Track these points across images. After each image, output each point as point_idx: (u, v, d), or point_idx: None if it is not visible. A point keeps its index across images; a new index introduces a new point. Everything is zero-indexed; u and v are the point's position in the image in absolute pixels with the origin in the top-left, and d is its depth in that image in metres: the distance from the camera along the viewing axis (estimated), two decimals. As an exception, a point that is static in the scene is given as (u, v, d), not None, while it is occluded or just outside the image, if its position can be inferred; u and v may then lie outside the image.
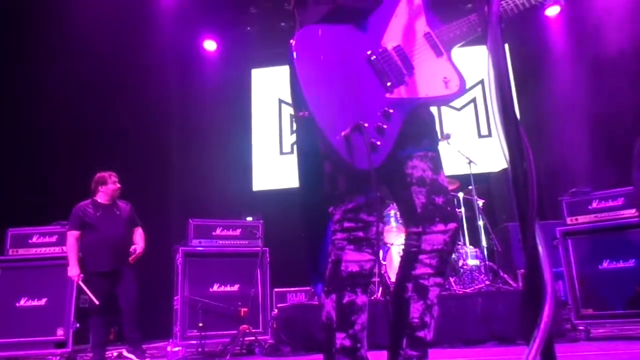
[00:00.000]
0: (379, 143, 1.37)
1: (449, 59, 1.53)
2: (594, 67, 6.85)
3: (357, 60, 1.46)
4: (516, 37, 7.79)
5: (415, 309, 1.46)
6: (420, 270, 1.48)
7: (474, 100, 7.87)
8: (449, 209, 1.52)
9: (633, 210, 4.13)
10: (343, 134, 1.32)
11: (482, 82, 7.82)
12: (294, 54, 1.39)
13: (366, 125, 1.35)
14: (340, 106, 1.38)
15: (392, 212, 5.38)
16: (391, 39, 1.51)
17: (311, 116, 1.33)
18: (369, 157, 1.33)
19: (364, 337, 1.42)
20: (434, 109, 6.31)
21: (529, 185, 0.85)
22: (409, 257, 1.52)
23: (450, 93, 1.49)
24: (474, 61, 7.83)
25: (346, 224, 1.42)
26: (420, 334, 1.46)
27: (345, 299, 1.38)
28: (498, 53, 1.01)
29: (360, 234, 1.42)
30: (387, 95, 1.44)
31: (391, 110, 1.41)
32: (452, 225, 1.50)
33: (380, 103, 1.42)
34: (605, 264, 4.22)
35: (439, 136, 7.05)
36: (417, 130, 1.51)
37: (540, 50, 7.78)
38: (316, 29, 1.46)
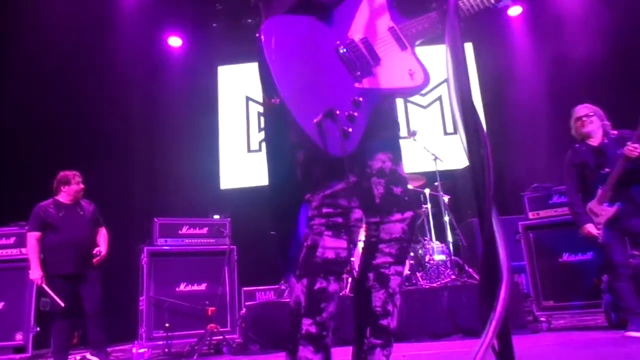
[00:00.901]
0: (350, 130, 1.38)
1: (413, 52, 1.57)
2: (556, 65, 7.07)
3: (325, 51, 1.48)
4: (480, 37, 7.96)
5: (377, 298, 1.48)
6: (380, 259, 1.50)
7: (439, 98, 8.00)
8: (406, 198, 1.56)
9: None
10: (315, 120, 1.33)
11: (447, 80, 7.95)
12: (263, 40, 1.38)
13: (338, 112, 1.37)
14: (311, 93, 1.39)
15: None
16: (357, 32, 1.54)
17: (282, 103, 1.33)
18: (342, 143, 1.34)
19: (331, 327, 1.41)
20: (400, 107, 6.34)
21: (486, 173, 0.87)
22: (370, 247, 1.55)
23: (415, 85, 1.53)
24: (439, 59, 7.98)
25: (325, 210, 1.41)
26: (384, 322, 1.47)
27: (317, 285, 1.37)
28: (456, 48, 1.02)
29: (340, 219, 1.42)
30: (356, 84, 1.47)
31: (361, 99, 1.44)
32: (408, 214, 1.54)
33: (350, 92, 1.45)
34: (565, 257, 4.36)
35: (406, 133, 7.13)
36: (379, 121, 1.53)
37: (503, 49, 7.97)
38: (284, 19, 1.47)
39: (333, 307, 1.41)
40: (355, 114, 1.40)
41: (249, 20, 7.67)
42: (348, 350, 1.60)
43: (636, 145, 3.35)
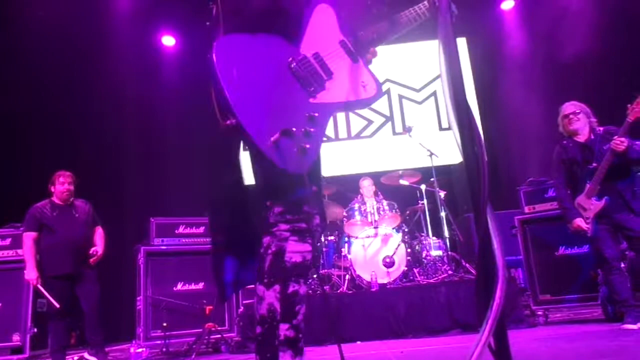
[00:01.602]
0: (308, 146, 1.40)
1: (365, 64, 1.63)
2: (550, 59, 7.07)
3: (278, 68, 1.49)
4: (473, 31, 7.95)
5: None
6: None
7: (434, 94, 7.99)
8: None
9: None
10: (272, 139, 1.33)
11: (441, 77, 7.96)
12: (215, 60, 1.38)
13: (294, 130, 1.38)
14: (266, 112, 1.40)
15: (356, 206, 5.42)
16: (309, 47, 1.57)
17: (238, 124, 1.32)
18: (300, 160, 1.36)
19: (303, 328, 1.42)
20: (395, 103, 6.31)
21: (480, 169, 0.86)
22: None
23: (369, 96, 1.58)
24: (433, 55, 7.97)
25: (289, 216, 1.43)
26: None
27: (290, 289, 1.38)
28: (449, 45, 1.02)
29: (303, 225, 1.44)
30: (311, 100, 1.49)
31: (316, 114, 1.46)
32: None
33: (305, 108, 1.47)
34: (561, 251, 4.38)
35: (402, 129, 7.15)
36: None
37: (497, 43, 7.97)
38: (235, 38, 1.48)
39: (304, 309, 1.42)
40: (312, 129, 1.42)
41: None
42: (346, 347, 1.60)
43: (622, 139, 3.43)
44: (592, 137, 3.73)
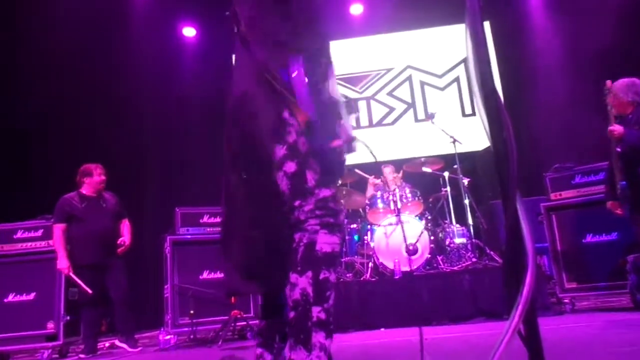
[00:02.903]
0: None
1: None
2: (576, 41, 6.90)
3: None
4: (498, 15, 7.79)
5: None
6: None
7: (457, 80, 7.88)
8: None
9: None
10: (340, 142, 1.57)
11: (465, 60, 7.84)
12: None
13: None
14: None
15: (379, 194, 5.41)
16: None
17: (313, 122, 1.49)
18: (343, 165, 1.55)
19: (333, 314, 1.49)
20: (417, 89, 6.27)
21: (509, 155, 0.86)
22: None
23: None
24: (456, 40, 7.85)
25: (318, 212, 1.50)
26: None
27: (322, 276, 1.45)
28: (476, 28, 1.01)
29: (331, 219, 1.50)
30: None
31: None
32: None
33: None
34: (588, 238, 4.29)
35: (424, 115, 7.12)
36: None
37: (522, 26, 7.80)
38: None
39: (334, 296, 1.49)
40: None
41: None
42: (370, 334, 1.62)
43: (612, 127, 3.48)
44: (630, 116, 3.66)
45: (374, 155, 1.81)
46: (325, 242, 1.48)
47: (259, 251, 1.67)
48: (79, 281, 4.26)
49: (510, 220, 0.82)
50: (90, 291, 4.23)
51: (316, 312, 1.41)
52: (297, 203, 1.50)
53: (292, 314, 1.42)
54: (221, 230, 1.78)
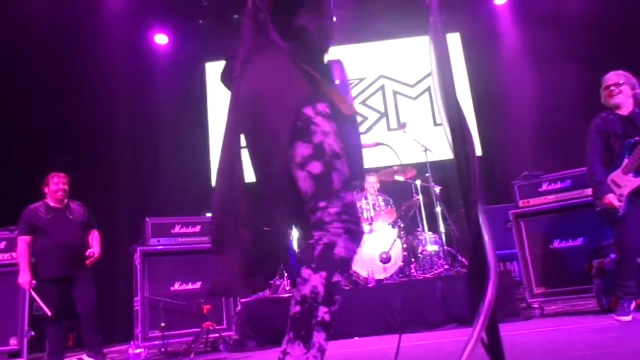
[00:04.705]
0: None
1: None
2: (544, 52, 7.10)
3: None
4: (467, 27, 7.97)
5: None
6: None
7: (428, 89, 8.00)
8: None
9: (580, 191, 4.33)
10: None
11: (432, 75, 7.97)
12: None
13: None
14: None
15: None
16: None
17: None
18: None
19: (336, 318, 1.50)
20: (390, 98, 6.35)
21: (471, 168, 0.87)
22: None
23: None
24: (426, 50, 7.98)
25: (344, 217, 1.50)
26: None
27: (334, 279, 1.44)
28: (439, 45, 1.03)
29: (354, 227, 1.50)
30: None
31: None
32: None
33: None
34: (556, 244, 4.40)
35: (396, 125, 7.16)
36: None
37: (491, 38, 7.99)
38: None
39: (340, 300, 1.48)
40: None
41: (236, 16, 7.62)
42: (344, 343, 1.62)
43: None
44: (637, 110, 3.49)
45: (398, 157, 1.86)
46: (345, 247, 1.47)
47: (257, 248, 1.64)
48: (39, 300, 4.06)
49: (473, 232, 0.84)
50: (49, 312, 4.02)
51: (322, 312, 1.40)
52: (322, 204, 1.49)
53: (297, 308, 1.41)
54: (214, 229, 1.70)
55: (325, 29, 1.57)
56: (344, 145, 1.50)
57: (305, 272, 1.45)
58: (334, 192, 1.50)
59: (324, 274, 1.43)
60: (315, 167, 1.52)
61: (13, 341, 4.21)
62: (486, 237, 0.85)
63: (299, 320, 1.40)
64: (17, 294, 4.31)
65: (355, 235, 1.50)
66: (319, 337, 1.38)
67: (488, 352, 0.83)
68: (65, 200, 4.44)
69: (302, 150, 1.52)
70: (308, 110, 1.53)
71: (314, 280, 1.43)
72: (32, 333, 4.24)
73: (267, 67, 1.61)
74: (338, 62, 1.67)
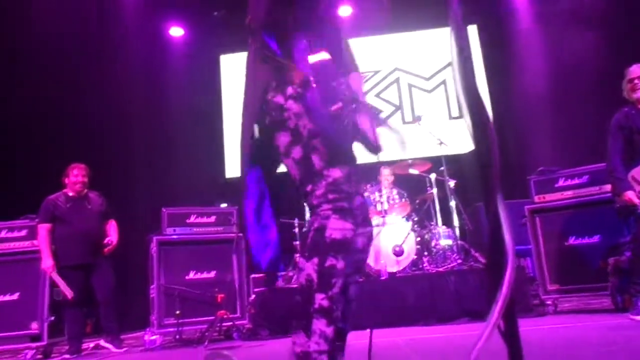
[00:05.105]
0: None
1: None
2: (562, 46, 7.00)
3: None
4: (484, 18, 7.89)
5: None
6: None
7: (444, 82, 7.96)
8: None
9: (598, 187, 4.27)
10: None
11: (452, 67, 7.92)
12: None
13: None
14: None
15: (366, 195, 5.44)
16: None
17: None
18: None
19: (340, 301, 1.49)
20: (405, 92, 6.34)
21: (491, 159, 0.89)
22: None
23: None
24: (443, 43, 7.92)
25: (330, 196, 1.48)
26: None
27: (328, 263, 1.43)
28: (460, 32, 1.04)
29: (344, 204, 1.48)
30: None
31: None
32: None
33: None
34: (571, 240, 4.35)
35: (411, 118, 7.15)
36: None
37: (508, 29, 7.89)
38: None
39: (341, 283, 1.47)
40: None
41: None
42: (356, 335, 1.64)
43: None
44: None
45: (403, 144, 1.84)
46: (336, 227, 1.45)
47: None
48: (61, 283, 4.22)
49: (492, 221, 0.85)
50: (70, 295, 4.18)
51: (319, 299, 1.41)
52: (308, 188, 1.50)
53: (297, 298, 1.45)
54: (247, 212, 1.71)
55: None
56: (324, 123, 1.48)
57: (301, 261, 1.48)
58: (316, 173, 1.50)
59: (315, 260, 1.44)
60: (297, 152, 1.53)
61: (34, 325, 4.32)
62: (505, 227, 0.86)
63: (299, 309, 1.44)
64: (38, 280, 4.41)
65: (346, 213, 1.47)
66: (319, 324, 1.40)
67: (505, 339, 0.84)
68: (84, 191, 4.57)
69: (283, 139, 1.54)
70: (278, 99, 1.54)
71: (307, 269, 1.44)
72: (52, 318, 4.35)
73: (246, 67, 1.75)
74: (356, 74, 1.68)
